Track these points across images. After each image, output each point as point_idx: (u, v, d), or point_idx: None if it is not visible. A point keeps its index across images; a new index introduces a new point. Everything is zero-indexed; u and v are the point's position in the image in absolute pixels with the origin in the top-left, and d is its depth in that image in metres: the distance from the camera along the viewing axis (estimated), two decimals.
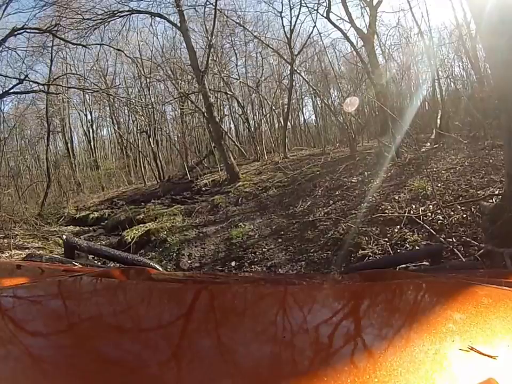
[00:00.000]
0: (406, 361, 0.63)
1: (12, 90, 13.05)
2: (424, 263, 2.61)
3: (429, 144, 11.45)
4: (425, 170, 7.69)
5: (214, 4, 14.52)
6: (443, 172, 7.69)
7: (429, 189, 6.60)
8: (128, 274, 1.42)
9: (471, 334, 0.75)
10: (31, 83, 14.38)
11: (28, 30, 13.16)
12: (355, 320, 0.90)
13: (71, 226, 13.90)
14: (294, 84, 18.21)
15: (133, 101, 18.43)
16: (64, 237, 1.80)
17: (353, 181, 9.18)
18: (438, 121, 12.64)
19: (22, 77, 12.79)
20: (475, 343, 0.67)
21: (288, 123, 21.03)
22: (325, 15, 14.37)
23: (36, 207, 16.27)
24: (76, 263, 1.58)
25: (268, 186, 11.53)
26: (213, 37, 15.43)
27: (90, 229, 13.02)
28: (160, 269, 1.78)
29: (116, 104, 20.40)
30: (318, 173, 11.24)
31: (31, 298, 1.03)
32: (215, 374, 0.62)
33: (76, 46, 15.13)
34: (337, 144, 17.28)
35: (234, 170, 14.23)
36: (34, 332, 0.79)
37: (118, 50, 16.30)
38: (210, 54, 15.59)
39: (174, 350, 0.72)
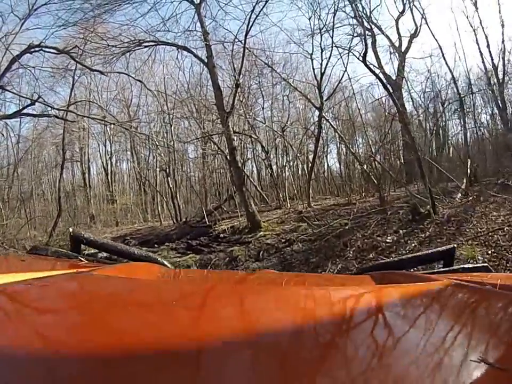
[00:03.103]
0: (415, 371, 0.62)
1: (23, 112, 12.41)
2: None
3: (459, 195, 10.88)
4: (468, 230, 7.26)
5: (243, 41, 14.17)
6: (490, 233, 7.05)
7: (479, 258, 5.83)
8: (135, 271, 1.41)
9: (482, 345, 0.72)
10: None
11: (44, 49, 12.71)
12: (364, 325, 0.84)
13: None
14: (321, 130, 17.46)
15: (154, 138, 17.81)
16: (71, 229, 1.80)
17: (388, 240, 8.43)
18: (468, 170, 12.16)
19: (36, 97, 12.12)
20: (486, 354, 0.65)
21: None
22: (361, 58, 13.87)
23: (45, 236, 16.09)
24: (82, 258, 1.58)
25: (291, 240, 10.70)
26: (241, 75, 14.98)
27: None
28: (168, 265, 1.81)
29: (136, 140, 19.83)
30: (346, 227, 10.39)
31: (35, 294, 0.99)
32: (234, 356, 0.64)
33: (94, 72, 14.60)
34: (363, 193, 16.51)
35: (256, 219, 13.37)
36: (37, 328, 0.75)
37: (138, 81, 15.85)
38: (237, 94, 15.11)
39: (183, 345, 0.68)
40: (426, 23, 14.20)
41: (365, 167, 15.91)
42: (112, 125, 17.12)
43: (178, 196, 21.04)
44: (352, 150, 18.27)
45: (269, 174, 21.22)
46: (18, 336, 0.70)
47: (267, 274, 1.97)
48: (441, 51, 14.39)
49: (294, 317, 0.86)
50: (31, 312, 0.85)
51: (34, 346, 0.67)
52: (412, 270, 1.98)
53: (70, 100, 16.75)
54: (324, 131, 20.86)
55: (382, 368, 0.63)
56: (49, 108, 13.54)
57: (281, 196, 17.88)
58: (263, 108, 21.24)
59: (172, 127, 20.14)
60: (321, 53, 16.18)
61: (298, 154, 20.52)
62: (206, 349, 0.67)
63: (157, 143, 17.87)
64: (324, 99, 16.54)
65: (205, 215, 16.97)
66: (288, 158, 21.54)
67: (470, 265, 1.92)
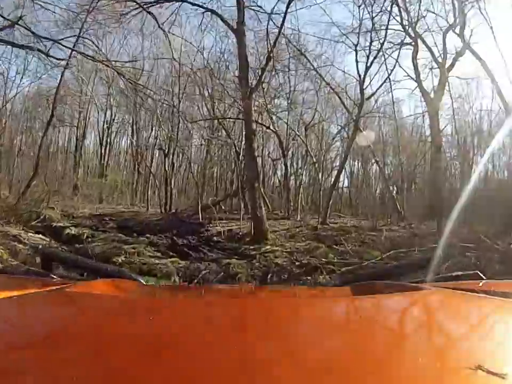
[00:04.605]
0: (408, 381, 0.61)
1: None
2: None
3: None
4: None
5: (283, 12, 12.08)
6: None
7: None
8: (108, 287, 1.43)
9: (477, 351, 0.72)
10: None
11: None
12: (353, 336, 0.84)
13: (40, 235, 11.31)
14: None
15: (157, 96, 15.19)
16: (40, 247, 2.49)
17: None
18: None
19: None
20: (482, 361, 0.62)
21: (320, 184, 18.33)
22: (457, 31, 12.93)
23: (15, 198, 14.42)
24: (54, 276, 1.54)
25: (311, 265, 8.10)
26: (275, 47, 12.62)
27: (59, 248, 10.00)
28: (142, 281, 1.75)
29: (137, 95, 17.48)
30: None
31: (7, 313, 0.96)
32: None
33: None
34: (389, 219, 14.14)
35: (263, 227, 10.76)
36: (8, 350, 0.73)
37: (149, 13, 13.38)
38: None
39: (151, 364, 0.66)
40: (494, 38, 12.28)
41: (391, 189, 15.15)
42: (96, 63, 14.26)
43: (172, 182, 19.17)
44: (382, 168, 16.56)
45: (282, 177, 19.28)
46: None
47: (245, 287, 2.14)
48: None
49: (271, 330, 0.86)
50: (3, 332, 0.82)
51: (9, 364, 0.65)
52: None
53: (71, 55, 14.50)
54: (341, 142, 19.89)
55: (371, 379, 0.60)
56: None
57: (292, 205, 15.76)
58: (287, 98, 18.58)
59: (181, 103, 17.93)
60: (370, 43, 14.54)
61: (315, 161, 18.24)
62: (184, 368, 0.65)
63: (162, 102, 15.68)
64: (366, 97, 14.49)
65: (199, 210, 14.59)
66: (307, 162, 19.52)
67: (460, 273, 1.82)
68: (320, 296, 1.59)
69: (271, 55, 12.04)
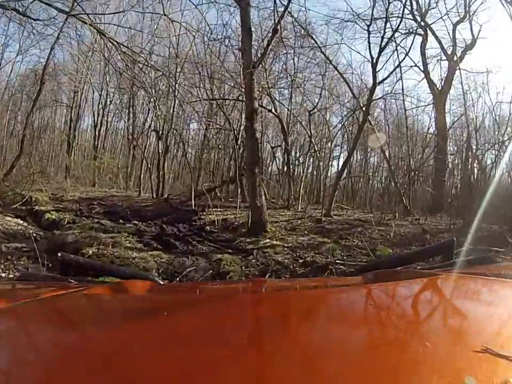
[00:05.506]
0: (418, 363, 0.61)
1: None
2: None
3: None
4: None
5: None
6: None
7: None
8: (126, 288, 1.40)
9: (487, 333, 0.72)
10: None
11: None
12: (367, 324, 0.85)
13: (19, 219, 10.56)
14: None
15: (144, 61, 13.92)
16: (59, 254, 1.77)
17: None
18: None
19: None
20: (491, 343, 0.62)
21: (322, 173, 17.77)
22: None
23: None
24: (72, 280, 1.51)
25: (318, 263, 6.90)
26: (282, 19, 11.22)
27: (34, 233, 9.20)
28: (159, 281, 1.80)
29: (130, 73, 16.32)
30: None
31: (25, 319, 0.93)
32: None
33: None
34: (396, 214, 12.89)
35: (262, 218, 9.43)
36: (30, 353, 0.72)
37: None
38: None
39: (178, 363, 0.66)
40: None
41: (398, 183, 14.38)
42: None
43: (166, 166, 18.55)
44: (388, 159, 15.75)
45: (281, 165, 18.87)
46: (19, 357, 0.69)
47: (264, 282, 1.98)
48: None
49: (294, 320, 0.87)
50: (27, 335, 0.82)
51: (35, 368, 0.65)
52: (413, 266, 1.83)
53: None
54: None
55: (380, 361, 0.61)
56: None
57: (293, 194, 14.68)
58: (291, 80, 17.47)
59: (177, 85, 16.85)
60: (385, 23, 13.34)
61: (317, 149, 17.30)
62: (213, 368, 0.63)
63: (150, 67, 14.57)
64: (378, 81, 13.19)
65: (193, 197, 13.54)
66: (303, 151, 19.37)
67: (472, 257, 1.78)
68: (332, 285, 1.51)
69: (278, 27, 10.74)
